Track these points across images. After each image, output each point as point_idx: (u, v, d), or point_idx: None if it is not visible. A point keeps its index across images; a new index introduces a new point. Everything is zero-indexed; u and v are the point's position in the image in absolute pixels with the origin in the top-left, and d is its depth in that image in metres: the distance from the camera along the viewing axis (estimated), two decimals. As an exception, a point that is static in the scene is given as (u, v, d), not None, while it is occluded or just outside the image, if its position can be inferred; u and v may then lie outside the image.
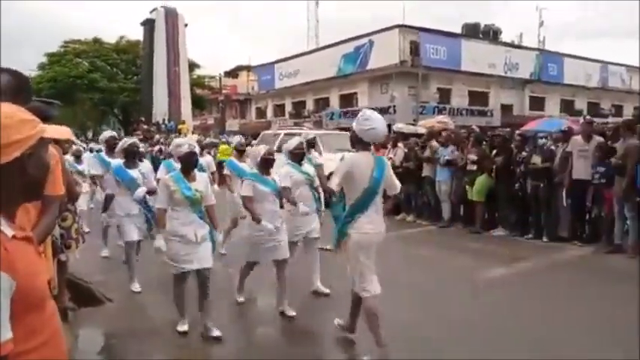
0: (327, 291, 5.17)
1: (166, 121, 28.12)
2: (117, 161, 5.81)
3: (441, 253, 7.26)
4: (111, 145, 6.64)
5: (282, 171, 5.11)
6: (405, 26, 26.71)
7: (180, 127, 25.93)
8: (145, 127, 25.93)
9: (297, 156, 5.29)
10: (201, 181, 4.16)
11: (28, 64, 33.88)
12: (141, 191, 5.40)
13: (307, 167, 5.44)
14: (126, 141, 5.81)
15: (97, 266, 6.21)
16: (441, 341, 3.97)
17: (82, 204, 8.78)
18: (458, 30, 30.67)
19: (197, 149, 4.29)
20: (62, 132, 1.42)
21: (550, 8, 46.14)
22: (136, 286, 5.39)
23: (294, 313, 4.58)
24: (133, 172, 5.47)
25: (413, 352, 3.79)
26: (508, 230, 8.29)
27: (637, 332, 3.87)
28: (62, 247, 3.99)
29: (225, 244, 6.58)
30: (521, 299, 5.03)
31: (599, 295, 5.16)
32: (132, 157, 5.58)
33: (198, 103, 36.46)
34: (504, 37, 32.56)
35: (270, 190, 4.62)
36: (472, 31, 30.83)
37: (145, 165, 5.82)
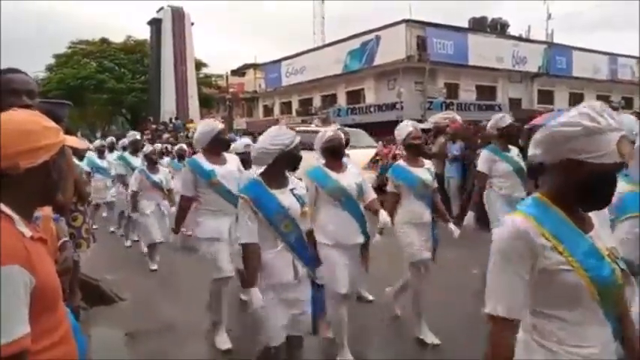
0: None
1: (174, 120, 28.24)
2: (231, 171, 4.06)
3: (452, 249, 7.22)
4: (218, 145, 4.17)
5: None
6: (412, 21, 26.58)
7: (188, 125, 26.06)
8: (154, 126, 26.10)
9: (509, 136, 4.62)
10: None
11: (36, 66, 34.00)
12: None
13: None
14: (276, 132, 2.94)
15: (112, 265, 6.25)
16: (451, 331, 3.98)
17: (167, 235, 6.06)
18: (465, 24, 30.51)
19: None
20: (80, 142, 1.63)
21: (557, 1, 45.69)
22: None
23: None
24: (285, 198, 2.82)
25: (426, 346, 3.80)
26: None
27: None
28: (74, 246, 4.03)
29: None
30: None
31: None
32: (291, 167, 2.95)
33: (205, 102, 36.59)
34: (512, 30, 32.35)
35: None
36: (479, 25, 30.62)
37: (294, 180, 2.98)
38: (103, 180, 8.76)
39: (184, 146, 10.11)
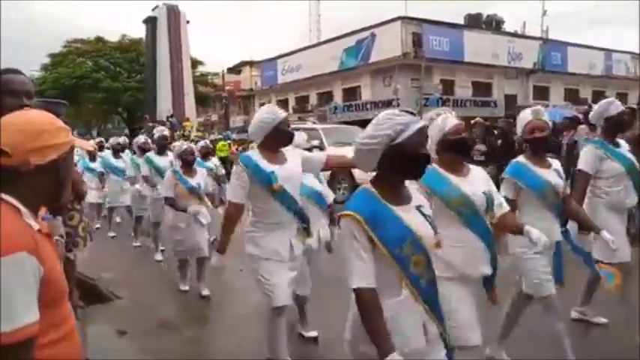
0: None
1: (170, 119, 28.22)
2: (293, 173, 3.20)
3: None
4: (280, 138, 3.24)
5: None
6: (407, 18, 26.58)
7: (184, 124, 26.03)
8: (150, 124, 26.02)
9: (618, 127, 3.89)
10: None
11: (30, 65, 33.83)
12: None
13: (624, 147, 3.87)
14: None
15: (109, 264, 6.24)
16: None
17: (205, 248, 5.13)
18: (460, 21, 30.54)
19: None
20: (87, 144, 1.71)
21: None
22: None
23: None
24: (412, 218, 1.88)
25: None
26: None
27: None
28: (71, 245, 4.03)
29: None
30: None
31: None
32: (407, 172, 1.93)
33: (201, 100, 36.53)
34: (507, 26, 32.44)
35: None
36: (474, 21, 30.70)
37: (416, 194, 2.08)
38: (119, 182, 8.01)
39: (209, 142, 9.40)
